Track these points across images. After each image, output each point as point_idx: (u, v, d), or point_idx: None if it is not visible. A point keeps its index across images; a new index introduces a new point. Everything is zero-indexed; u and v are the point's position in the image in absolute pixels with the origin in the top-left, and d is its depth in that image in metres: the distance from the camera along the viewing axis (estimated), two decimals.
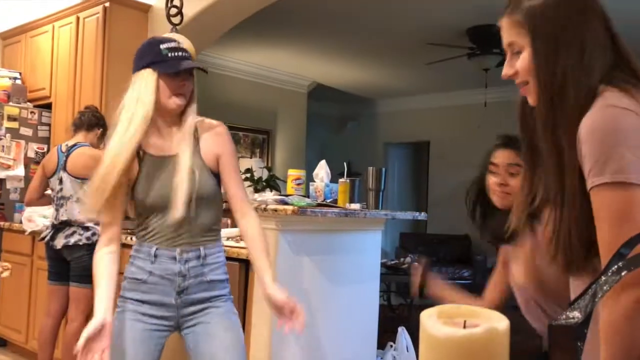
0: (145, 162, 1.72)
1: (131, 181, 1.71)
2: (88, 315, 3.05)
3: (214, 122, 1.83)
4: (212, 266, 1.76)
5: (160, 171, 1.71)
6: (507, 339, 0.50)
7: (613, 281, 0.58)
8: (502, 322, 0.50)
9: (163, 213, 1.70)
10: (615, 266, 0.60)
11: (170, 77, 1.69)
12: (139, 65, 1.71)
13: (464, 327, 0.50)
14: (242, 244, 2.54)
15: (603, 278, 0.59)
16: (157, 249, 1.71)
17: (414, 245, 7.59)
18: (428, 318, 0.50)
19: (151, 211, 1.72)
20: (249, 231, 1.77)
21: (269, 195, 2.73)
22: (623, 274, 0.58)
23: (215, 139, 1.77)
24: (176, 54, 1.71)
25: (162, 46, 1.71)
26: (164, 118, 1.73)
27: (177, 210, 1.63)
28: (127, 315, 1.70)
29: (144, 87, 1.68)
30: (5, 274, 2.15)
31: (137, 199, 1.72)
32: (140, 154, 1.71)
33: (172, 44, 1.73)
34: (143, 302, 1.71)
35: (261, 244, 1.76)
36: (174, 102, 1.70)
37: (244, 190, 1.85)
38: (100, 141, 3.19)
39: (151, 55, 1.70)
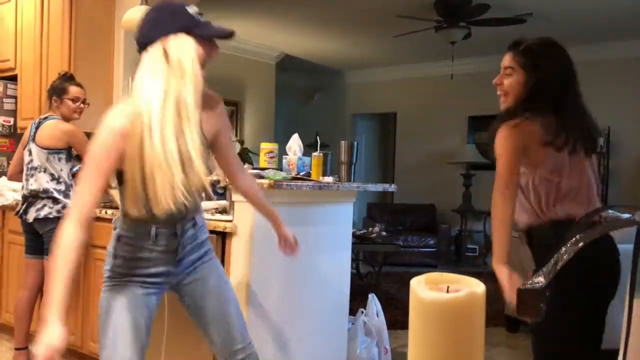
0: None
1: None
2: None
3: (214, 96, 1.76)
4: (202, 228, 1.87)
5: None
6: (484, 302, 0.59)
7: (572, 251, 0.67)
8: (480, 287, 0.59)
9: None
10: (574, 238, 0.69)
11: (206, 43, 1.57)
12: (166, 29, 1.52)
13: (447, 291, 0.58)
14: (217, 216, 2.60)
15: (563, 248, 0.68)
16: (157, 228, 1.71)
17: (381, 215, 7.76)
18: (417, 284, 0.59)
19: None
20: (254, 186, 2.06)
21: None
22: (580, 245, 0.68)
23: (216, 116, 1.77)
24: (204, 18, 1.59)
25: (190, 10, 1.57)
26: None
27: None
28: (128, 288, 1.72)
29: (185, 53, 1.51)
30: None
31: None
32: None
33: (196, 9, 1.60)
34: (145, 275, 1.74)
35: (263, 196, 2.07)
36: (203, 72, 1.57)
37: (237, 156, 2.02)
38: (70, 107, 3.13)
39: (183, 19, 1.54)
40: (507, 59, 1.97)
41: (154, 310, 1.78)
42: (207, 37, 1.57)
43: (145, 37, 1.56)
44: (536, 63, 1.89)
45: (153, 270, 1.74)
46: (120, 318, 1.68)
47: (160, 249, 1.74)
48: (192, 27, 1.54)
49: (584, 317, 1.79)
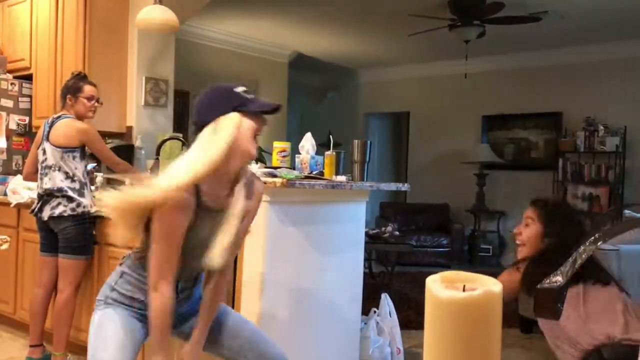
0: (201, 210, 1.69)
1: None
2: (77, 286, 3.11)
3: (258, 180, 1.86)
4: (200, 283, 1.89)
5: (210, 220, 1.69)
6: (500, 301, 0.58)
7: (590, 250, 0.66)
8: (497, 286, 0.57)
9: (190, 256, 1.72)
10: (592, 237, 0.68)
11: (255, 117, 1.69)
12: (219, 111, 1.65)
13: (464, 290, 0.57)
14: None
15: (582, 247, 0.67)
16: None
17: (394, 214, 7.73)
18: (433, 283, 0.58)
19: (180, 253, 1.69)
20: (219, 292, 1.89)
21: (256, 168, 2.79)
22: (599, 244, 0.66)
23: (253, 200, 1.80)
24: (252, 96, 1.71)
25: (238, 90, 1.70)
26: (229, 166, 1.68)
27: (214, 260, 1.64)
28: (123, 311, 1.74)
29: (226, 126, 1.64)
30: (4, 246, 2.18)
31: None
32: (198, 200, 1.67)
33: (243, 88, 1.72)
34: (139, 309, 1.76)
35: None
36: (254, 146, 1.69)
37: None
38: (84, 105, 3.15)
39: (234, 100, 1.67)
40: (528, 211, 2.17)
41: (141, 340, 1.78)
42: (254, 113, 1.69)
43: (201, 120, 1.69)
44: (553, 217, 2.06)
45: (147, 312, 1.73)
46: (113, 331, 1.70)
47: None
48: (241, 106, 1.67)
49: None
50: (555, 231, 2.04)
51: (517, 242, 2.17)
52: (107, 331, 1.70)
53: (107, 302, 1.75)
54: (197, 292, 1.90)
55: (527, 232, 2.13)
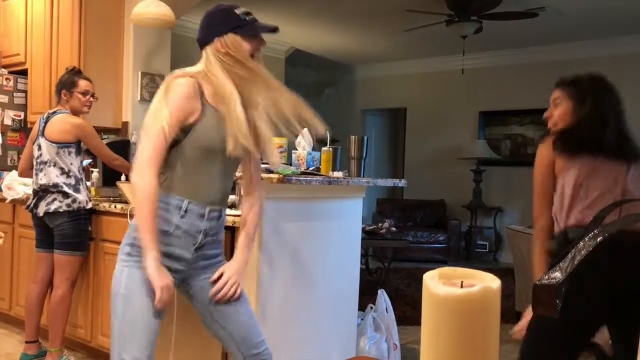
0: (207, 110, 1.75)
1: (186, 127, 1.73)
2: (72, 282, 3.10)
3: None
4: (222, 227, 1.91)
5: (218, 119, 1.76)
6: (499, 296, 0.57)
7: (590, 246, 0.65)
8: (495, 282, 0.57)
9: (209, 161, 1.76)
10: (592, 232, 0.67)
11: (253, 40, 1.80)
12: (219, 32, 1.77)
13: (461, 286, 0.57)
14: (226, 211, 2.59)
15: (581, 243, 0.66)
16: (189, 202, 1.75)
17: (391, 211, 7.74)
18: (430, 279, 0.57)
19: (199, 158, 1.75)
20: (255, 208, 1.99)
21: None
22: (599, 239, 0.65)
23: None
24: (250, 17, 1.81)
25: (238, 11, 1.80)
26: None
27: (237, 144, 1.71)
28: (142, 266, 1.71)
29: (238, 49, 1.76)
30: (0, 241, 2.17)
31: (192, 142, 1.74)
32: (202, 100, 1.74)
33: (242, 10, 1.82)
34: (162, 254, 1.71)
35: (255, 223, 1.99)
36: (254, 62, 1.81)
37: None
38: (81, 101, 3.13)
39: (233, 21, 1.78)
40: (555, 92, 2.03)
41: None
42: (253, 35, 1.80)
43: (203, 39, 1.81)
44: (584, 95, 1.94)
45: (170, 249, 1.75)
46: (140, 303, 1.69)
47: (184, 227, 1.76)
48: (240, 27, 1.78)
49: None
50: (590, 104, 1.90)
51: (549, 126, 2.03)
52: (135, 303, 1.70)
53: (132, 254, 1.72)
54: (224, 215, 1.90)
55: (558, 112, 1.98)
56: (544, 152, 1.92)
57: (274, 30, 1.83)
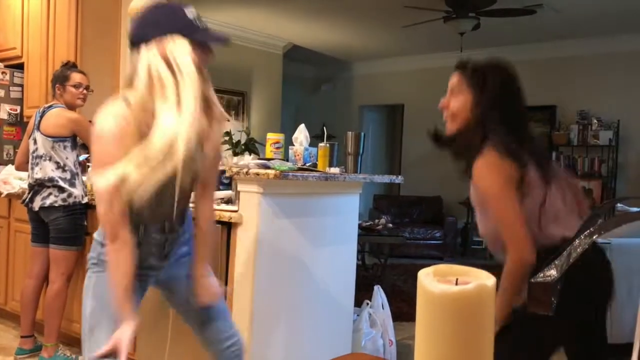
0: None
1: None
2: (68, 276, 3.09)
3: (216, 106, 1.69)
4: (190, 224, 1.87)
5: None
6: (494, 294, 0.57)
7: (585, 244, 0.65)
8: (490, 279, 0.57)
9: (159, 199, 1.62)
10: (587, 230, 0.67)
11: (201, 49, 1.54)
12: (163, 29, 1.51)
13: (456, 284, 0.56)
14: (223, 207, 2.59)
15: (577, 241, 0.66)
16: (145, 225, 1.71)
17: (387, 207, 7.75)
18: (425, 276, 0.57)
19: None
20: (210, 216, 1.87)
21: (249, 159, 2.78)
22: (594, 237, 0.65)
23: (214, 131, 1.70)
24: (201, 24, 1.56)
25: (187, 11, 1.55)
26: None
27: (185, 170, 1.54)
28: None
29: (180, 53, 1.48)
30: None
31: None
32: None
33: (195, 13, 1.57)
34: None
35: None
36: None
37: None
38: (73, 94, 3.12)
39: (182, 22, 1.53)
40: (454, 77, 1.78)
41: (139, 300, 1.77)
42: (203, 42, 1.55)
43: (140, 35, 1.54)
44: (483, 82, 1.70)
45: (141, 262, 1.70)
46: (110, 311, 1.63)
47: (146, 241, 1.72)
48: (190, 31, 1.52)
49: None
50: (489, 99, 1.64)
51: (445, 117, 1.79)
52: (105, 310, 1.64)
53: (98, 264, 1.68)
54: (187, 230, 1.83)
55: (455, 103, 1.75)
56: (505, 165, 1.60)
57: (226, 41, 1.58)
